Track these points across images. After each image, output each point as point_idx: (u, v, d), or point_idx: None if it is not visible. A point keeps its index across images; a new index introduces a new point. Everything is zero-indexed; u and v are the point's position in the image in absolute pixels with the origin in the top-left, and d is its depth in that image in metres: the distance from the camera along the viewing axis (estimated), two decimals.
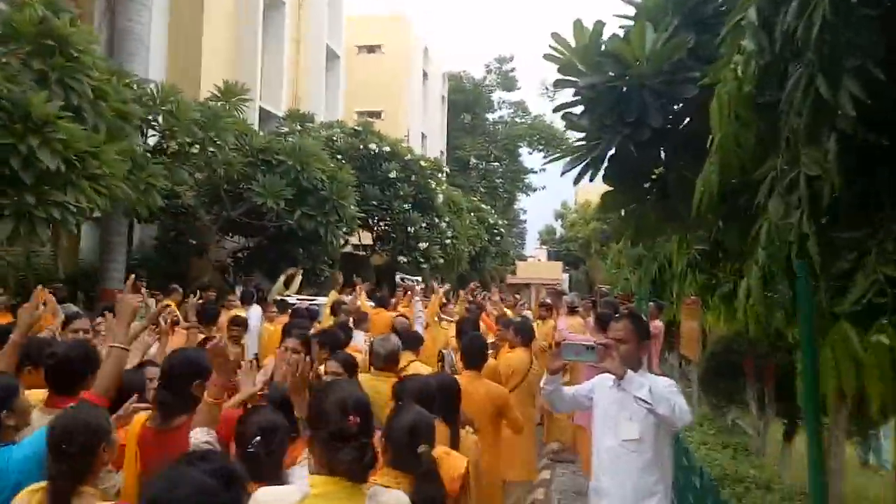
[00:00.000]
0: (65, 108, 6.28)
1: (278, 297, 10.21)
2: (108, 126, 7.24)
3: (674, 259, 6.26)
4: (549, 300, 9.97)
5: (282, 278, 10.86)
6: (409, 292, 9.98)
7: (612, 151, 3.31)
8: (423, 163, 16.73)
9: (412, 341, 5.30)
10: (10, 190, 5.70)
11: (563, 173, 3.44)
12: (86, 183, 6.13)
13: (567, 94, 3.43)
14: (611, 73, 3.22)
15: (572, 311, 6.76)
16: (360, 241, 20.27)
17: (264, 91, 18.29)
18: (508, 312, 12.38)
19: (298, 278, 10.81)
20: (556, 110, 3.51)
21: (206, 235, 11.79)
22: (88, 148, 6.16)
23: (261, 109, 17.25)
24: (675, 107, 3.34)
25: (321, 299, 10.79)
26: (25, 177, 5.68)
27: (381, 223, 17.04)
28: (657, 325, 7.25)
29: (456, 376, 4.10)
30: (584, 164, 3.35)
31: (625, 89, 3.23)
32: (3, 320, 6.05)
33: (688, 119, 3.40)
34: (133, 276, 4.35)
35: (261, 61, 17.41)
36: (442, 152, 35.43)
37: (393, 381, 3.96)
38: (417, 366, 5.12)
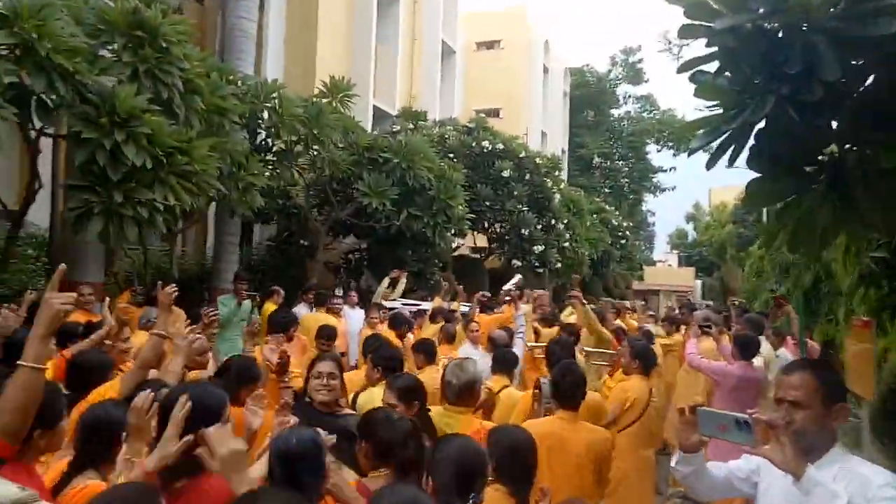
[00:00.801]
0: (155, 101, 6.13)
1: (381, 301, 9.80)
2: (202, 121, 7.09)
3: (838, 269, 5.04)
4: (678, 312, 8.79)
5: (385, 281, 10.43)
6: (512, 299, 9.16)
7: (763, 121, 2.37)
8: (538, 160, 15.82)
9: (506, 362, 4.54)
10: (99, 187, 5.57)
11: (690, 153, 2.53)
12: (174, 180, 5.92)
13: (698, 47, 2.52)
14: (761, 10, 2.28)
15: (704, 330, 5.62)
16: (475, 243, 19.72)
17: (378, 89, 18.20)
18: (632, 323, 11.25)
19: (403, 281, 10.32)
20: (681, 70, 2.57)
21: (316, 236, 11.64)
22: (176, 143, 5.94)
23: (375, 108, 17.14)
24: (858, 56, 2.34)
25: (426, 304, 10.26)
26: (112, 173, 5.53)
27: (495, 225, 16.32)
28: (813, 347, 5.96)
29: (549, 416, 3.30)
30: (720, 140, 2.43)
31: (781, 32, 2.29)
32: (82, 318, 5.97)
33: (876, 73, 2.39)
34: (160, 282, 3.92)
35: (374, 59, 17.30)
36: (563, 151, 34.09)
37: (468, 417, 3.24)
38: (511, 393, 4.35)
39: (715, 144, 2.41)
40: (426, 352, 5.18)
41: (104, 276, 8.37)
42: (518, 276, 7.00)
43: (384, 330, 7.20)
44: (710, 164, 2.51)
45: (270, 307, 8.38)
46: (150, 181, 5.83)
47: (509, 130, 18.68)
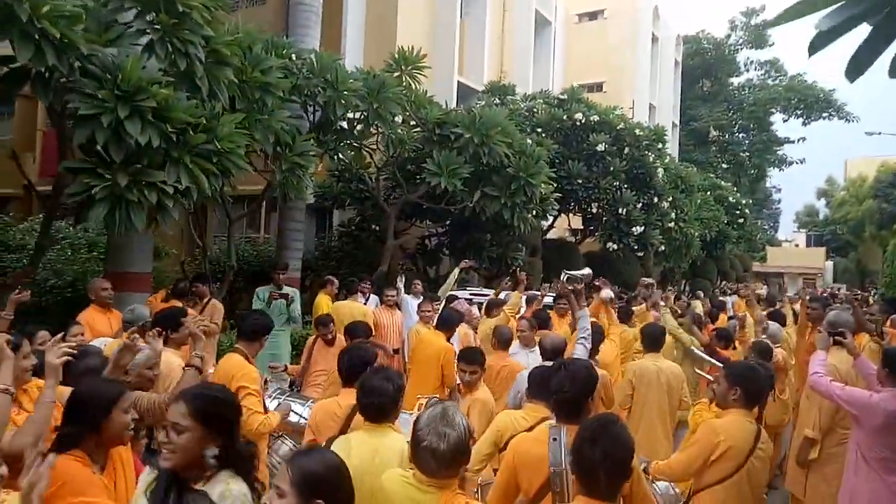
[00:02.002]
0: (175, 75, 5.47)
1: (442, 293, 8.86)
2: (239, 97, 6.40)
3: None
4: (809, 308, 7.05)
5: (456, 272, 9.48)
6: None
7: None
8: (638, 132, 14.15)
9: (543, 387, 3.43)
10: (102, 169, 4.98)
11: (812, 50, 1.35)
12: (189, 160, 5.23)
13: None
14: None
15: (836, 339, 4.15)
16: (569, 225, 18.30)
17: (465, 66, 17.16)
18: (747, 318, 9.59)
19: (455, 272, 9.23)
20: None
21: (387, 221, 10.88)
22: (190, 119, 5.25)
23: (460, 85, 16.12)
24: None
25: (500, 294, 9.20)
26: (114, 153, 4.92)
27: (591, 205, 14.84)
28: None
29: None
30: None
31: None
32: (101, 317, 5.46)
33: None
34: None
35: (460, 34, 16.24)
36: (674, 124, 31.48)
37: (451, 496, 2.23)
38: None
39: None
40: (469, 359, 4.24)
41: (152, 266, 8.00)
42: (588, 269, 5.74)
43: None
44: (852, 72, 1.32)
45: (324, 299, 7.67)
46: (161, 162, 5.19)
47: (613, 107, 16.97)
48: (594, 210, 14.99)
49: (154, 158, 5.16)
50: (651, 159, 14.05)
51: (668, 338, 5.89)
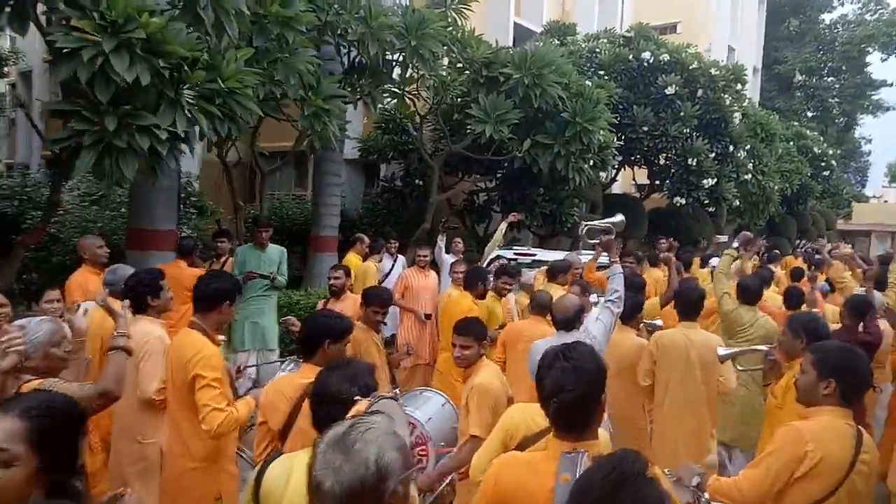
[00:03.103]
0: (173, 4, 4.87)
1: (495, 254, 8.13)
2: (261, 32, 5.76)
3: None
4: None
5: (503, 226, 8.67)
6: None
7: None
8: (713, 71, 12.73)
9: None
10: (89, 112, 4.46)
11: None
12: (186, 100, 4.65)
13: None
14: None
15: None
16: (634, 179, 17.06)
17: (523, 6, 15.97)
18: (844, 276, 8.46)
19: (503, 228, 8.46)
20: None
21: (431, 174, 10.16)
22: (188, 53, 4.64)
23: (517, 26, 15.00)
24: None
25: (544, 253, 8.42)
26: (100, 94, 4.38)
27: (659, 156, 13.58)
28: None
29: None
30: None
31: None
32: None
33: None
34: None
35: None
36: (756, 69, 28.99)
37: None
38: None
39: None
40: (461, 329, 3.54)
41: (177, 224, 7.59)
42: (620, 216, 4.79)
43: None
44: None
45: (354, 260, 7.10)
46: (155, 103, 4.62)
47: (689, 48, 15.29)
48: (661, 161, 13.75)
49: (147, 99, 4.60)
50: (727, 103, 12.65)
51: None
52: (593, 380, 1.96)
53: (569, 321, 4.09)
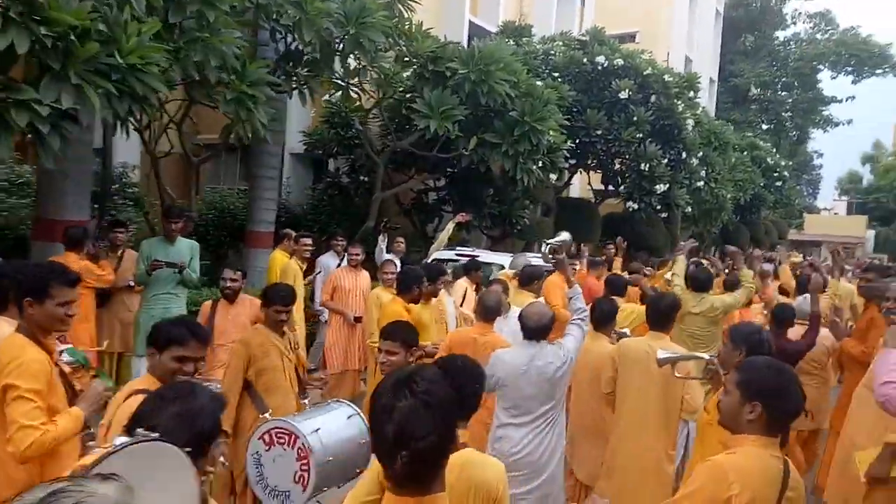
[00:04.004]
0: None
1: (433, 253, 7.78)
2: (166, 9, 5.26)
3: None
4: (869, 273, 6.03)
5: (449, 226, 8.36)
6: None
7: None
8: (667, 77, 12.64)
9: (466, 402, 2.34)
10: None
11: None
12: (75, 73, 4.15)
13: None
14: None
15: None
16: (590, 183, 16.91)
17: (480, 5, 15.70)
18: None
19: (450, 227, 8.16)
20: None
21: (377, 170, 9.75)
22: (79, 22, 4.15)
23: (472, 25, 14.69)
24: None
25: (489, 255, 8.09)
26: None
27: (614, 161, 13.39)
28: None
29: None
30: None
31: None
32: None
33: None
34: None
35: None
36: (712, 80, 29.37)
37: None
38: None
39: None
40: (387, 333, 3.17)
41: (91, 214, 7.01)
42: (566, 234, 4.58)
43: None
44: None
45: (278, 257, 6.63)
46: (36, 76, 4.11)
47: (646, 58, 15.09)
48: (616, 166, 13.60)
49: (28, 72, 4.10)
50: (680, 109, 12.57)
51: None
52: (448, 416, 1.52)
53: (540, 330, 3.85)
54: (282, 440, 3.78)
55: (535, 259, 7.27)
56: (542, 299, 5.73)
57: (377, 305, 5.40)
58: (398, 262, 7.83)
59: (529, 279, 5.84)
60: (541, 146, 9.13)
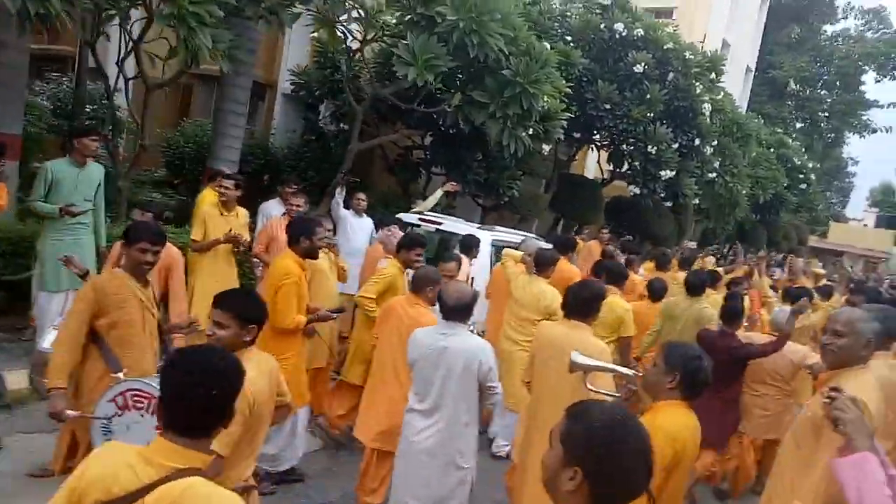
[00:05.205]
0: None
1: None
2: None
3: None
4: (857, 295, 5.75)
5: (437, 193, 7.99)
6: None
7: None
8: (688, 55, 11.71)
9: None
10: None
11: None
12: None
13: None
14: None
15: None
16: (598, 161, 16.06)
17: None
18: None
19: (438, 194, 7.71)
20: None
21: (352, 120, 9.08)
22: None
23: None
24: None
25: (456, 225, 7.45)
26: None
27: (626, 140, 12.52)
28: None
29: None
30: None
31: None
32: None
33: None
34: None
35: None
36: (749, 69, 28.03)
37: None
38: None
39: None
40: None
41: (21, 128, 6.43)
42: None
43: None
44: None
45: (207, 196, 6.01)
46: None
47: (682, 37, 13.93)
48: (624, 147, 12.75)
49: None
50: (698, 91, 11.65)
51: None
52: None
53: (458, 310, 3.55)
54: (139, 404, 3.25)
55: (541, 242, 6.72)
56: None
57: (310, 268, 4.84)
58: (353, 220, 7.27)
59: (545, 264, 5.46)
60: (533, 111, 8.37)
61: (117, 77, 7.61)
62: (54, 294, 5.17)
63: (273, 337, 4.07)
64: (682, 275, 8.51)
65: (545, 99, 8.50)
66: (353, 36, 8.57)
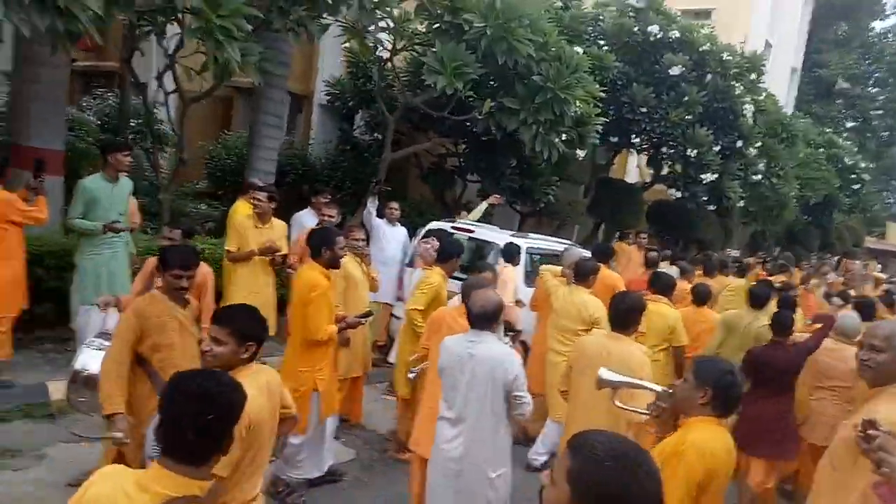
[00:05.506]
0: None
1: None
2: None
3: None
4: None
5: (482, 206, 8.31)
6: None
7: None
8: (726, 56, 11.42)
9: None
10: None
11: None
12: None
13: None
14: None
15: None
16: (639, 165, 15.80)
17: None
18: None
19: (482, 207, 7.86)
20: None
21: (385, 130, 9.13)
22: None
23: None
24: None
25: (487, 232, 7.39)
26: None
27: (664, 143, 12.26)
28: None
29: None
30: None
31: None
32: None
33: None
34: None
35: None
36: (794, 70, 27.21)
37: None
38: None
39: None
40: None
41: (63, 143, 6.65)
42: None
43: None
44: None
45: (240, 207, 6.09)
46: None
47: (722, 39, 13.60)
48: (665, 151, 12.49)
49: None
50: (737, 91, 11.35)
51: None
52: None
53: (483, 318, 3.48)
54: None
55: (581, 251, 6.65)
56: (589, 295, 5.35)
57: (341, 276, 4.87)
58: (386, 229, 7.29)
59: (585, 274, 5.44)
60: (565, 116, 8.28)
61: (156, 91, 7.82)
62: (93, 307, 5.30)
63: (307, 349, 4.15)
64: (732, 281, 8.34)
65: (577, 104, 8.41)
66: (383, 46, 8.62)
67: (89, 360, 3.68)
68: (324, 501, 4.46)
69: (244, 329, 2.50)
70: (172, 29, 6.39)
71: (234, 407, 1.74)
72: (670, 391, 2.87)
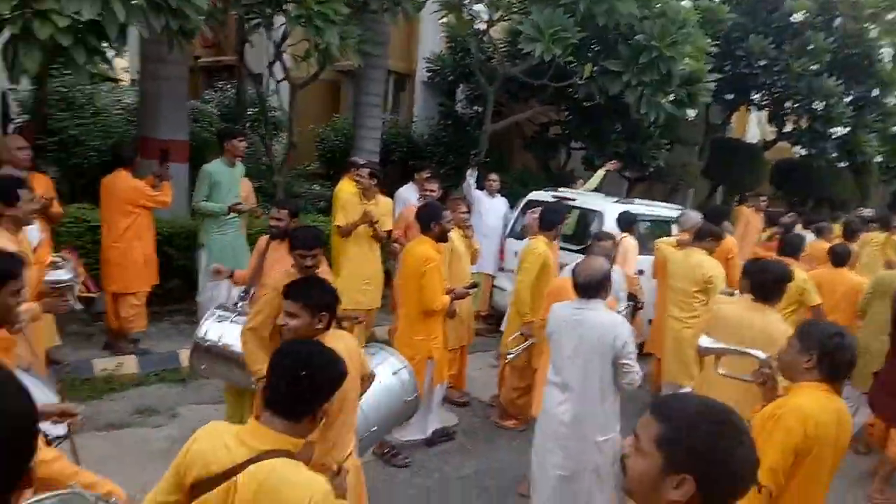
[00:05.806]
0: None
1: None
2: None
3: None
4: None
5: (600, 173, 8.21)
6: None
7: None
8: None
9: None
10: None
11: None
12: None
13: None
14: None
15: None
16: (759, 124, 14.74)
17: None
18: None
19: (601, 174, 7.75)
20: None
21: (486, 103, 9.12)
22: None
23: None
24: None
25: (589, 200, 7.23)
26: None
27: (784, 96, 11.31)
28: None
29: None
30: None
31: None
32: None
33: None
34: None
35: None
36: None
37: None
38: None
39: None
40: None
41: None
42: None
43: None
44: None
45: (345, 186, 6.32)
46: None
47: None
48: (788, 106, 11.56)
49: None
50: (872, 34, 10.24)
51: None
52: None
53: (588, 287, 3.52)
54: None
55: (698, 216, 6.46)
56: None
57: (448, 249, 5.02)
58: (486, 200, 7.33)
59: (703, 236, 5.35)
60: (672, 76, 7.88)
61: (267, 80, 8.26)
62: (220, 283, 5.78)
63: (421, 319, 4.40)
64: (875, 236, 7.76)
65: (686, 61, 7.97)
66: (480, 18, 8.57)
67: (210, 329, 4.01)
68: (429, 465, 4.65)
69: (316, 301, 2.62)
70: (279, 20, 6.71)
71: (332, 371, 1.90)
72: (774, 357, 2.75)
